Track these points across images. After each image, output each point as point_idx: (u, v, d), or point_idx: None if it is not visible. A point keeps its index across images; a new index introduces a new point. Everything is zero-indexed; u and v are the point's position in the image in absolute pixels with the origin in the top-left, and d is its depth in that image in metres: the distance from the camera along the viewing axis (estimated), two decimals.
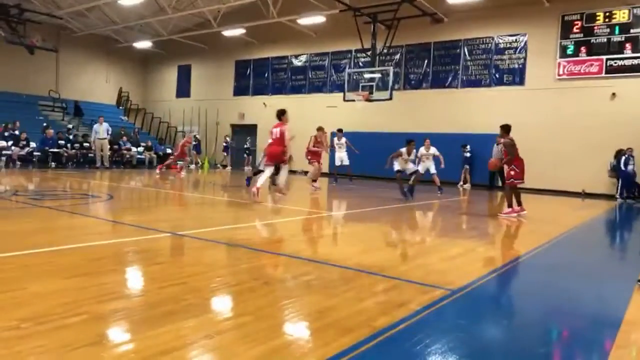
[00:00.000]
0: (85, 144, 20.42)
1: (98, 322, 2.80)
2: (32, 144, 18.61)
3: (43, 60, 23.77)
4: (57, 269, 3.94)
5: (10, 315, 2.80)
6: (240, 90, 25.67)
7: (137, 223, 6.57)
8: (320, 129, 14.08)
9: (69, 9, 21.47)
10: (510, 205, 9.21)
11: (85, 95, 25.92)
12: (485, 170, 17.52)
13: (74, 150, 19.83)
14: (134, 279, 4.04)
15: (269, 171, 9.95)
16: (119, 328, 2.81)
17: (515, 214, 9.10)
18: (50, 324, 2.71)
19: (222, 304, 3.44)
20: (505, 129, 9.23)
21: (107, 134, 19.35)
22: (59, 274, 3.79)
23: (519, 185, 9.14)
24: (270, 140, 9.79)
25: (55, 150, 19.08)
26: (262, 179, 9.80)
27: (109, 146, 19.70)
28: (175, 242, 5.52)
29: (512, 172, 9.00)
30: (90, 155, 20.07)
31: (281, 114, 9.80)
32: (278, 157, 9.65)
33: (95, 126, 19.39)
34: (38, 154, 18.61)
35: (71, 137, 20.49)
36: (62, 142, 19.61)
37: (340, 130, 16.15)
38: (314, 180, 13.29)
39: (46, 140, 19.02)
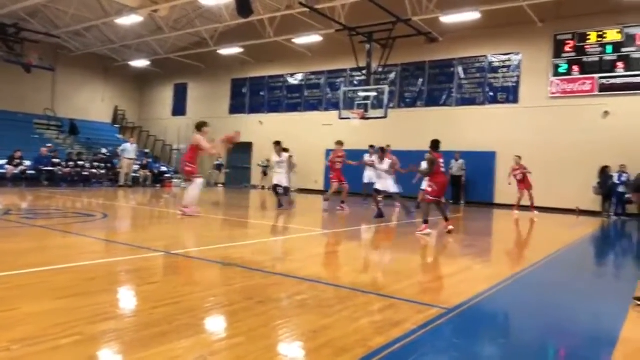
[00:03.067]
0: (80, 162, 20.41)
1: (90, 343, 2.77)
2: (27, 162, 18.56)
3: (40, 79, 23.84)
4: (50, 289, 3.91)
5: (2, 336, 2.77)
6: (236, 108, 25.77)
7: (131, 242, 6.54)
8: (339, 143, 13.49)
9: (66, 28, 21.60)
10: (425, 222, 8.68)
11: (81, 114, 25.93)
12: (480, 188, 17.76)
13: (68, 169, 19.78)
14: (127, 299, 4.01)
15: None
16: (111, 349, 2.77)
17: (427, 231, 8.55)
18: (42, 345, 2.68)
19: (216, 324, 3.41)
20: (433, 143, 8.96)
21: (136, 154, 20.19)
22: (52, 294, 3.75)
23: (431, 200, 8.78)
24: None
25: (50, 168, 19.03)
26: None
27: (134, 167, 20.51)
28: (169, 262, 5.49)
29: (430, 189, 8.85)
30: (84, 173, 20.11)
31: (202, 126, 9.97)
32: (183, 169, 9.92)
33: (126, 145, 19.84)
34: (32, 172, 18.56)
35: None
36: (57, 160, 19.58)
37: (372, 147, 14.99)
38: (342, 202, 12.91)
39: (40, 159, 18.98)
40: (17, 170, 18.03)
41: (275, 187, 12.29)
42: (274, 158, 12.49)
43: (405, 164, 15.14)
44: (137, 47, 24.62)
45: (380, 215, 10.97)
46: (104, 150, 22.53)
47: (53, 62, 24.28)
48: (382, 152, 11.53)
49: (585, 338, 3.60)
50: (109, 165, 21.01)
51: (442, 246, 7.89)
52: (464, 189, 17.98)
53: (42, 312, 3.28)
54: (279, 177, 12.24)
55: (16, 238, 6.60)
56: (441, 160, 8.96)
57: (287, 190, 12.43)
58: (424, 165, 13.71)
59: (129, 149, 19.46)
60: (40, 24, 21.37)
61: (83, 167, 20.31)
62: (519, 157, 14.44)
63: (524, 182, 14.34)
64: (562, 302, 4.56)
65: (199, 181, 9.80)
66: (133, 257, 5.49)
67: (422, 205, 8.89)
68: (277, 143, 12.51)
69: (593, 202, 15.72)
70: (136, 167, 21.80)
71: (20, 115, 23.11)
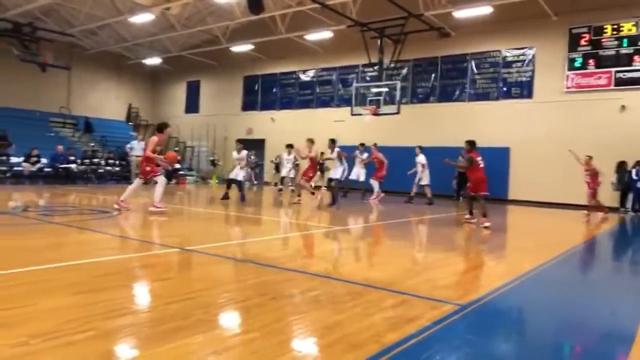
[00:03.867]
0: (95, 160, 20.62)
1: (105, 338, 2.80)
2: (43, 160, 18.80)
3: (55, 78, 24.09)
4: (66, 285, 3.95)
5: (19, 331, 2.81)
6: (248, 105, 25.86)
7: (146, 238, 6.59)
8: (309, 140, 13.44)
9: (81, 27, 21.81)
10: (470, 213, 9.94)
11: (96, 112, 26.23)
12: (494, 184, 17.59)
13: (84, 166, 20.00)
14: (142, 294, 4.04)
15: (137, 183, 9.95)
16: (126, 344, 2.80)
17: (472, 221, 9.84)
18: (58, 340, 2.71)
19: (229, 320, 3.43)
20: (470, 144, 9.98)
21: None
22: (68, 290, 3.80)
23: (471, 194, 9.85)
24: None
25: (66, 166, 19.26)
26: (128, 193, 9.83)
27: None
28: (183, 258, 5.52)
29: (469, 184, 9.92)
30: (100, 171, 20.34)
31: (163, 127, 9.82)
32: (141, 169, 9.76)
33: (133, 143, 19.78)
34: (49, 170, 18.80)
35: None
36: (73, 157, 19.81)
37: (362, 145, 15.90)
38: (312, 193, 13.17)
39: (57, 157, 19.21)
40: (34, 168, 18.28)
41: (229, 181, 12.94)
42: (234, 154, 12.95)
43: (411, 161, 15.39)
44: (149, 45, 24.79)
45: (332, 202, 12.44)
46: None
47: (68, 61, 24.50)
48: (332, 143, 13.35)
49: (601, 336, 3.55)
50: (123, 162, 21.18)
51: (456, 242, 7.83)
52: None
53: (59, 308, 3.32)
54: (236, 171, 12.69)
55: (34, 234, 6.69)
56: (479, 158, 9.75)
57: (240, 184, 12.69)
58: (419, 160, 14.53)
59: (136, 147, 19.49)
60: (55, 22, 21.60)
61: (98, 164, 20.53)
62: (589, 157, 13.48)
63: (590, 184, 13.35)
64: (578, 299, 4.51)
65: (161, 179, 9.75)
66: (147, 254, 5.54)
67: (466, 200, 10.35)
68: (239, 141, 13.41)
69: (611, 198, 15.49)
70: None
71: (36, 113, 23.40)
